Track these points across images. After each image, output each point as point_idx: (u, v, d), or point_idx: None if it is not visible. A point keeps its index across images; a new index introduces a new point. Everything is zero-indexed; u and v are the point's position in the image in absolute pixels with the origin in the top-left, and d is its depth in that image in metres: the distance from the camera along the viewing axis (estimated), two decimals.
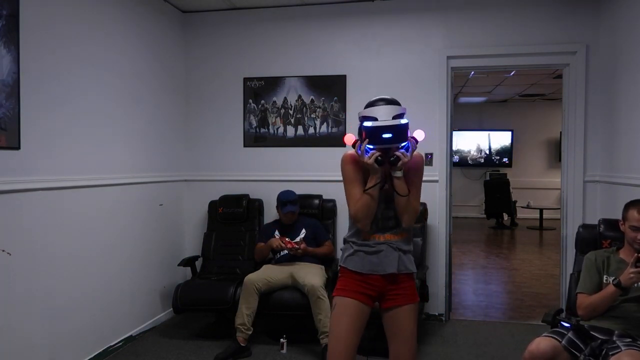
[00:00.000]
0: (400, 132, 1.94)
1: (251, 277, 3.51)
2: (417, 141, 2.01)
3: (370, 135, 1.96)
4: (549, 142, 10.94)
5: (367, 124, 1.96)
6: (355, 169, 2.09)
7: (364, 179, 2.08)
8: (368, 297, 2.11)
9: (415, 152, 2.05)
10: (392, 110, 1.97)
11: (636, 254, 2.32)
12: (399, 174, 2.01)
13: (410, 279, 2.16)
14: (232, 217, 4.24)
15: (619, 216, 2.58)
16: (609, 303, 2.39)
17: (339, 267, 2.21)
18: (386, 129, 1.94)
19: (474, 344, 3.65)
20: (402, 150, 1.97)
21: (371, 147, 1.99)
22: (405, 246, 2.14)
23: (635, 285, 2.39)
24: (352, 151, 2.10)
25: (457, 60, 4.15)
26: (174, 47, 4.37)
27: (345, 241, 2.20)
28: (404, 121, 1.94)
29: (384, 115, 1.96)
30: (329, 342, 2.11)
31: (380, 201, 2.08)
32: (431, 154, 4.15)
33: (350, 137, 2.07)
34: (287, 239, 3.65)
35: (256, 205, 4.28)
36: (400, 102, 2.08)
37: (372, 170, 2.00)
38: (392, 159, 1.97)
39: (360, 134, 2.03)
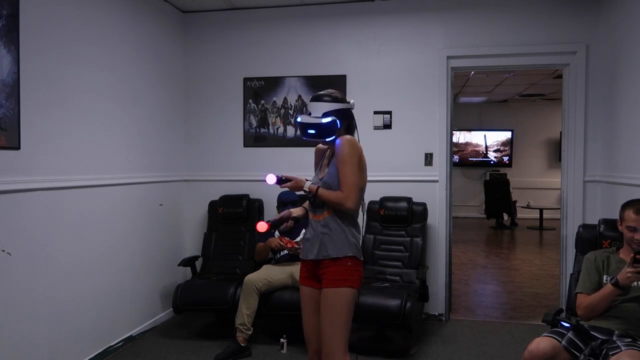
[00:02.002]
0: (323, 130, 2.20)
1: (251, 277, 3.51)
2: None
3: (299, 128, 2.26)
4: (549, 142, 10.94)
5: (298, 119, 2.25)
6: (316, 160, 2.42)
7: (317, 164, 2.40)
8: (312, 280, 2.28)
9: (340, 140, 2.22)
10: (326, 107, 2.20)
11: (633, 254, 2.32)
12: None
13: (334, 264, 2.19)
14: (232, 217, 4.24)
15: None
16: (608, 303, 2.39)
17: None
18: (310, 126, 2.21)
19: (474, 344, 3.64)
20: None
21: (303, 138, 2.28)
22: (330, 227, 2.21)
23: (635, 285, 2.39)
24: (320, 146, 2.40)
25: (457, 60, 4.15)
26: (174, 47, 4.37)
27: None
28: (325, 120, 2.18)
29: (317, 111, 2.20)
30: (302, 324, 2.36)
31: (317, 182, 2.28)
32: (431, 154, 4.15)
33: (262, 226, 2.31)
34: (286, 239, 3.64)
35: (256, 205, 4.28)
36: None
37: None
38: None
39: None
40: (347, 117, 2.26)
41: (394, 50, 4.20)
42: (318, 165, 2.40)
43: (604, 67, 3.85)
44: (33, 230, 2.78)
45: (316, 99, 2.23)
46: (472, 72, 7.19)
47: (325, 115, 2.18)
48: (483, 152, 11.09)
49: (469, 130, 11.07)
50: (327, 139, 2.23)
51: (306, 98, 4.34)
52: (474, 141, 11.11)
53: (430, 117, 4.14)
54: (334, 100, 2.23)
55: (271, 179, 2.19)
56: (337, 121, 2.19)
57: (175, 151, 4.38)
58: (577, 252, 2.97)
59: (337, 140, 2.20)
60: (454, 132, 10.32)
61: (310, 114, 2.22)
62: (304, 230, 3.79)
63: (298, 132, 4.35)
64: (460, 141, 11.10)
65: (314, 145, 2.46)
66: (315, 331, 2.28)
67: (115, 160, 3.56)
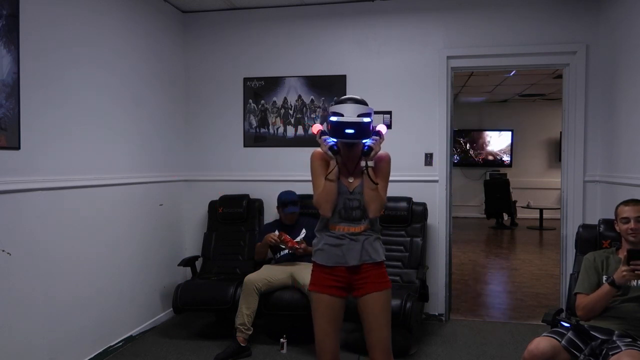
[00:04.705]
0: (363, 130, 2.12)
1: (251, 277, 3.51)
2: (380, 134, 2.16)
3: (334, 129, 2.13)
4: (549, 142, 10.94)
5: (333, 118, 2.13)
6: (322, 164, 2.23)
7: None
8: (338, 288, 2.21)
9: (385, 153, 2.26)
10: (358, 109, 2.13)
11: (627, 251, 2.33)
12: (371, 163, 2.15)
13: (377, 267, 2.23)
14: (232, 217, 4.24)
15: None
16: (606, 302, 2.39)
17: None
18: (350, 125, 2.10)
19: (474, 344, 3.65)
20: (372, 141, 2.12)
21: (334, 139, 2.15)
22: (370, 235, 2.22)
23: (635, 285, 2.40)
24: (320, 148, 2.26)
25: (457, 60, 4.15)
26: (174, 47, 4.37)
27: (314, 234, 2.32)
28: (366, 120, 2.12)
29: (350, 113, 2.12)
30: (315, 334, 2.24)
31: (343, 192, 2.20)
32: (431, 154, 4.15)
33: (316, 127, 2.25)
34: (287, 236, 3.62)
35: (256, 205, 4.28)
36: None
37: (328, 157, 2.17)
38: (364, 149, 2.12)
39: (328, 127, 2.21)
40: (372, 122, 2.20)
41: (394, 50, 4.20)
42: (328, 171, 2.19)
43: (604, 67, 3.85)
44: (33, 230, 2.78)
45: (353, 101, 2.16)
46: (472, 72, 7.19)
47: (362, 115, 2.11)
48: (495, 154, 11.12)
49: (472, 130, 11.09)
50: (363, 140, 2.15)
51: (306, 98, 4.34)
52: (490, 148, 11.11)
53: (430, 117, 4.13)
54: (365, 103, 2.18)
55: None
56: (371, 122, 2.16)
57: (175, 151, 4.38)
58: (577, 252, 2.97)
59: (381, 154, 2.22)
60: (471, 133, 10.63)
61: (341, 115, 2.10)
62: (304, 231, 3.80)
63: (300, 132, 4.35)
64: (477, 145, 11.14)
65: (312, 146, 2.43)
66: (331, 342, 2.21)
67: (115, 160, 3.56)
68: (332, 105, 2.20)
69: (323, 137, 2.17)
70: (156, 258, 4.07)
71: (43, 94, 2.85)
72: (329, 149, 2.13)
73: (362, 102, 2.17)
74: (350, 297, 2.26)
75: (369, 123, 2.12)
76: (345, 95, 2.27)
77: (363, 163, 2.16)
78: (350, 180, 2.23)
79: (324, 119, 4.29)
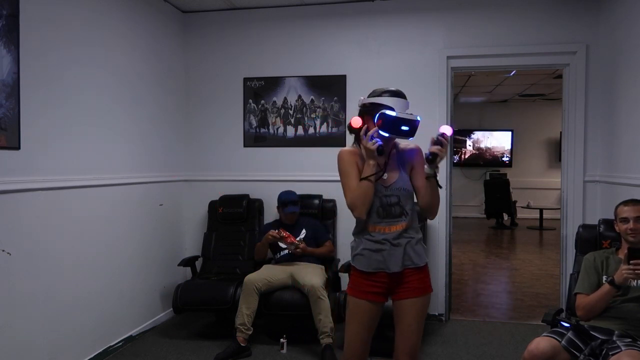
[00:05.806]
0: (415, 128, 2.04)
1: (251, 277, 3.51)
2: (445, 137, 2.03)
3: (389, 123, 2.01)
4: (549, 142, 10.94)
5: (390, 112, 2.00)
6: (351, 163, 2.12)
7: (359, 172, 2.09)
8: (377, 294, 2.14)
9: (417, 146, 2.19)
10: (405, 104, 2.07)
11: (627, 250, 2.33)
12: (436, 170, 2.06)
13: (419, 272, 2.16)
14: (232, 217, 4.24)
15: None
16: (606, 302, 2.39)
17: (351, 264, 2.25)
18: (406, 121, 2.02)
19: (474, 344, 3.65)
20: (438, 146, 2.02)
21: (386, 134, 2.03)
22: (412, 236, 2.14)
23: (635, 285, 2.40)
24: (347, 147, 2.18)
25: (457, 60, 4.15)
26: (174, 47, 4.37)
27: (353, 236, 2.23)
28: (419, 117, 2.04)
29: (400, 108, 2.03)
30: (345, 338, 2.19)
31: (377, 190, 2.10)
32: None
33: (357, 120, 2.11)
34: (287, 232, 3.61)
35: (256, 205, 4.28)
36: None
37: (369, 156, 2.04)
38: (428, 157, 2.02)
39: (362, 117, 2.12)
40: None
41: (394, 50, 4.20)
42: (357, 169, 2.11)
43: (604, 67, 3.85)
44: (33, 230, 2.78)
45: (394, 93, 2.07)
46: (472, 72, 7.19)
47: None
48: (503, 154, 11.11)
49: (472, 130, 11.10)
50: (410, 139, 2.07)
51: (306, 98, 4.34)
52: (495, 144, 11.09)
53: (430, 117, 4.12)
54: (404, 96, 2.10)
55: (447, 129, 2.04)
56: None
57: (175, 151, 4.38)
58: (577, 252, 2.97)
59: (417, 149, 2.18)
60: (474, 132, 10.61)
61: (390, 110, 2.01)
62: (304, 231, 3.80)
63: (300, 132, 4.35)
64: (484, 145, 11.11)
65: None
66: (362, 347, 2.16)
67: (115, 160, 3.56)
68: (370, 97, 2.10)
69: (371, 134, 2.02)
70: (156, 258, 4.07)
71: (43, 94, 2.85)
72: (377, 150, 2.00)
73: (403, 95, 2.09)
74: (389, 303, 2.20)
75: (419, 122, 2.03)
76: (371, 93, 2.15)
77: (427, 169, 2.05)
78: (385, 177, 2.12)
79: (324, 119, 4.28)
